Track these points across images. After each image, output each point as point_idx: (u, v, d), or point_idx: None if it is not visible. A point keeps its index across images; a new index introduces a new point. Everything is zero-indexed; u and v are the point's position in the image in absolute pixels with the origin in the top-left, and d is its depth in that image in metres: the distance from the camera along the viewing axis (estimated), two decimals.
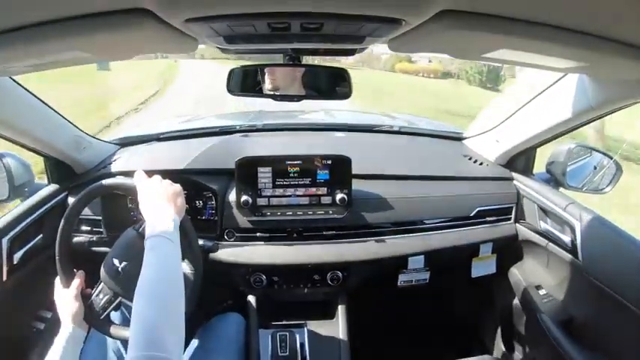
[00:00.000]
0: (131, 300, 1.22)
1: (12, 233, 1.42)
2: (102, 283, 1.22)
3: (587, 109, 1.28)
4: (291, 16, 0.69)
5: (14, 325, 1.51)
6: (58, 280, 1.24)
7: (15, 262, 1.43)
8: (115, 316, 1.42)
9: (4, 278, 1.39)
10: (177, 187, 1.18)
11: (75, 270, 1.25)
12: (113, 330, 1.25)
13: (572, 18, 0.67)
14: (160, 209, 1.08)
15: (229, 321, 1.57)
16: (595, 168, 1.64)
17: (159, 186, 1.14)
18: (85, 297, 1.23)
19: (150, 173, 1.19)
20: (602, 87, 1.20)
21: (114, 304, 1.23)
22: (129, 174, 1.28)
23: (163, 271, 0.94)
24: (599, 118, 1.34)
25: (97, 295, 1.23)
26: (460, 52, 1.04)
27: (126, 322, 1.40)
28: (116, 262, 1.19)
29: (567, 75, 1.35)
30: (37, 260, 1.51)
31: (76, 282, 1.22)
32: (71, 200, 1.61)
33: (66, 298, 1.20)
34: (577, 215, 1.45)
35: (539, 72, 1.43)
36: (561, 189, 1.67)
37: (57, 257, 1.23)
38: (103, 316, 1.23)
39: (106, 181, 1.27)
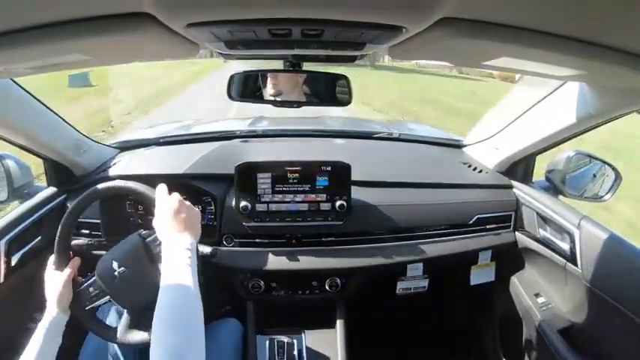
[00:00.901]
0: (120, 304, 1.22)
1: (10, 235, 1.42)
2: (95, 277, 1.23)
3: (587, 116, 1.28)
4: (292, 22, 0.69)
5: (11, 327, 1.50)
6: (51, 260, 1.24)
7: (13, 264, 1.43)
8: (111, 316, 1.42)
9: (2, 280, 1.39)
10: (197, 211, 1.16)
11: (71, 254, 1.27)
12: (94, 324, 1.26)
13: (572, 26, 0.68)
14: (179, 232, 1.06)
15: (227, 327, 1.56)
16: (594, 176, 1.64)
17: (180, 207, 1.11)
18: (75, 284, 1.23)
19: (170, 190, 1.18)
20: (601, 95, 1.20)
21: (101, 301, 1.23)
22: (130, 178, 1.29)
23: (183, 297, 0.93)
24: (599, 125, 1.34)
25: (88, 287, 1.23)
26: (460, 59, 1.05)
27: (114, 321, 1.39)
28: (115, 265, 1.19)
29: (567, 83, 1.35)
30: (36, 262, 1.51)
31: (70, 269, 1.23)
32: (70, 203, 1.61)
33: (56, 280, 1.20)
34: (576, 223, 1.45)
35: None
36: (561, 197, 1.66)
37: (57, 237, 1.23)
38: (87, 308, 1.23)
39: (126, 183, 1.27)
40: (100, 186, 1.28)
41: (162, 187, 1.16)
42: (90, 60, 0.92)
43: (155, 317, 0.88)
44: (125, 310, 1.25)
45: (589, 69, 0.91)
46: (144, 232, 1.25)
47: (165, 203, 1.11)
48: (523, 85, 1.79)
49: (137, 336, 1.24)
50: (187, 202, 1.15)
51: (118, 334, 1.24)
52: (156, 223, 1.11)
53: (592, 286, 1.38)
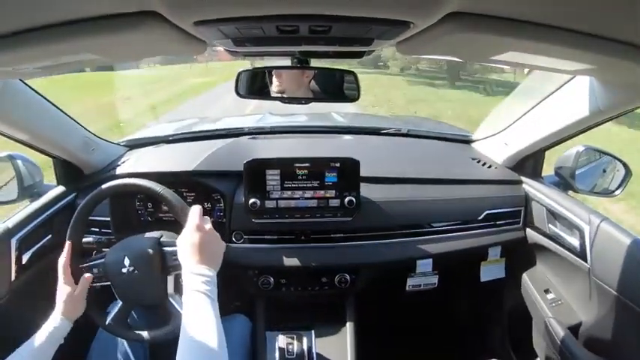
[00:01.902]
0: (117, 295, 1.26)
1: (21, 233, 1.43)
2: (103, 261, 1.25)
3: (596, 111, 1.26)
4: (300, 18, 0.69)
5: (22, 324, 1.52)
6: (64, 254, 1.25)
7: (23, 262, 1.44)
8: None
9: (13, 278, 1.40)
10: (223, 244, 1.15)
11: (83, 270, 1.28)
12: (89, 304, 1.27)
13: (581, 20, 0.67)
14: (200, 263, 1.04)
15: (236, 323, 1.57)
16: (604, 171, 1.63)
17: (209, 237, 1.10)
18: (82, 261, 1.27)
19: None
20: (610, 89, 1.19)
21: (101, 283, 1.26)
22: (139, 176, 1.30)
23: (206, 333, 0.92)
24: (608, 120, 1.33)
25: (92, 267, 1.26)
26: (468, 54, 1.04)
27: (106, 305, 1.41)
28: (126, 261, 1.20)
29: (576, 77, 1.34)
30: (46, 261, 1.52)
31: (85, 282, 1.24)
32: (79, 202, 1.62)
33: (70, 295, 1.21)
34: (586, 219, 1.44)
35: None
36: (570, 192, 1.65)
37: (72, 220, 1.29)
38: None
39: (160, 189, 1.28)
40: (133, 181, 1.31)
41: (197, 209, 1.14)
42: (97, 59, 0.93)
43: (179, 353, 0.88)
44: (120, 302, 1.28)
45: (598, 63, 0.90)
46: (164, 239, 1.27)
47: (197, 229, 1.09)
48: (532, 80, 1.77)
49: (123, 330, 1.27)
50: (217, 234, 1.14)
51: (107, 321, 1.27)
52: (180, 243, 1.10)
53: (602, 283, 1.37)
